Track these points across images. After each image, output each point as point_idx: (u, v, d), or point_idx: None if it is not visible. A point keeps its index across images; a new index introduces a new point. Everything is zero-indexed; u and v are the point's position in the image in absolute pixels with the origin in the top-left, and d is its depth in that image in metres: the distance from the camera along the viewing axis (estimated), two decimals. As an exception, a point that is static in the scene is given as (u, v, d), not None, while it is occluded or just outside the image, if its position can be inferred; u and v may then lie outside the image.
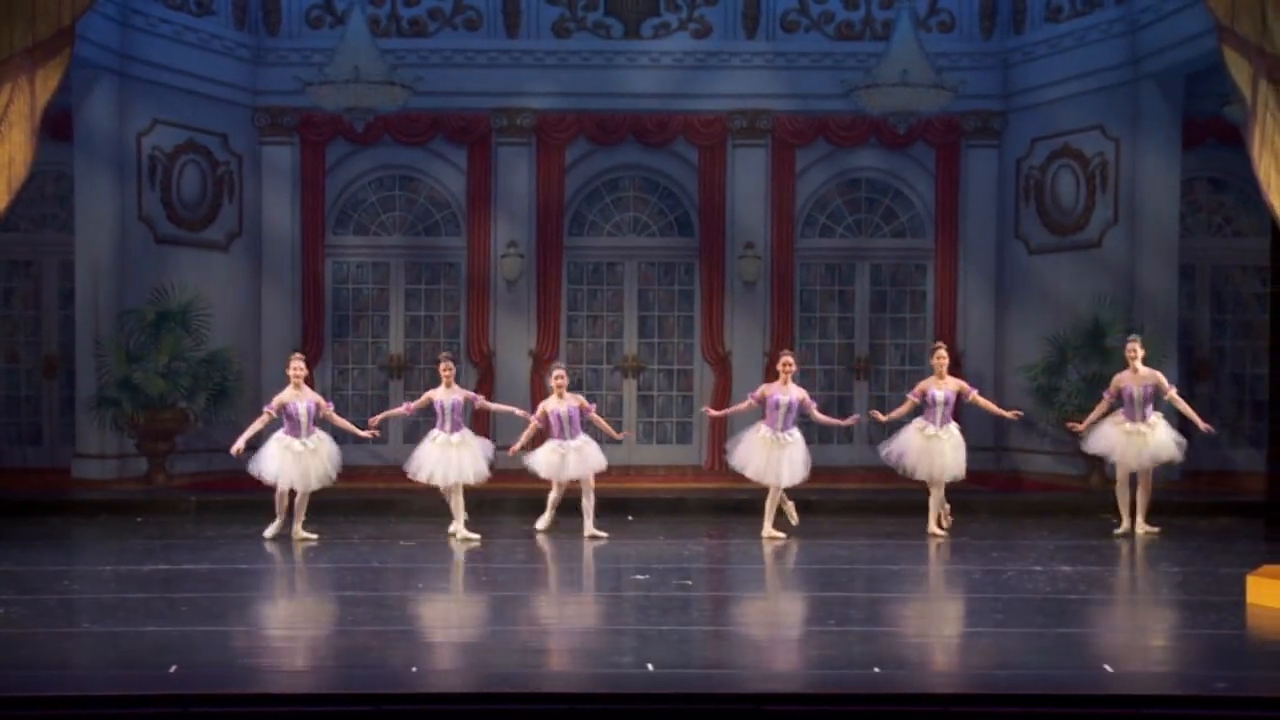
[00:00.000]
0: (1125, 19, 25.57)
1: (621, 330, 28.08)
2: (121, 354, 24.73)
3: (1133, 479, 20.85)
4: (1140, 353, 20.75)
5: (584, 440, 20.66)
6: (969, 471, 21.29)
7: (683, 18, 27.68)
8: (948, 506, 20.89)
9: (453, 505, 20.36)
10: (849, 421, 22.18)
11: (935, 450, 20.66)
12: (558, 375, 20.90)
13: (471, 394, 21.21)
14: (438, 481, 20.41)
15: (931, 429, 20.70)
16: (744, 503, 21.91)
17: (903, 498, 22.72)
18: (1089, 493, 24.17)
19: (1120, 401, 20.73)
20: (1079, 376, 25.03)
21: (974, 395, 21.03)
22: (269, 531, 20.10)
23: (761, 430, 20.44)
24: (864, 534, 21.12)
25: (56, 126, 25.19)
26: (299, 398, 20.14)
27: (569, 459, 20.49)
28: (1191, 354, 26.82)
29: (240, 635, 15.07)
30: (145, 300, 25.29)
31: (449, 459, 20.32)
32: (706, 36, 27.69)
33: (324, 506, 22.40)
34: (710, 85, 27.55)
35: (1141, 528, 20.69)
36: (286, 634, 15.06)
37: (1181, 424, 21.32)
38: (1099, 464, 23.71)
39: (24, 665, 12.91)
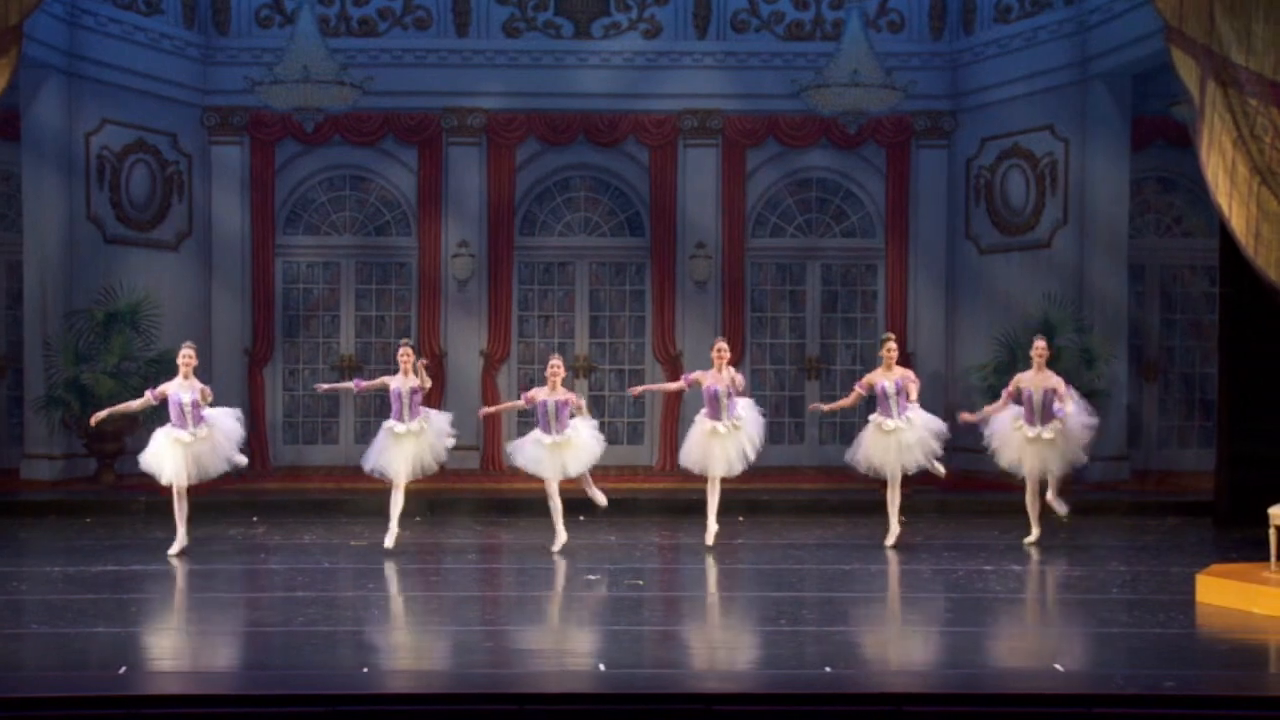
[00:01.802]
0: (1074, 19, 25.66)
1: (573, 330, 28.07)
2: (70, 354, 24.62)
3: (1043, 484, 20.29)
4: (1046, 354, 20.11)
5: (571, 433, 19.53)
6: (919, 471, 20.28)
7: (633, 17, 27.68)
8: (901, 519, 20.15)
9: (392, 503, 19.43)
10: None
11: (895, 444, 19.82)
12: (553, 365, 19.80)
13: (423, 387, 19.75)
14: (405, 478, 19.47)
15: (890, 422, 19.83)
16: (695, 503, 21.89)
17: (854, 498, 22.76)
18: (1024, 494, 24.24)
19: (1019, 401, 20.12)
20: (1029, 376, 25.10)
21: (910, 385, 19.99)
22: (173, 549, 18.94)
23: (704, 425, 19.96)
24: (815, 534, 21.16)
25: (4, 126, 25.17)
26: (184, 388, 19.21)
27: (554, 455, 19.43)
28: (1141, 354, 26.93)
29: (190, 636, 15.05)
30: (94, 300, 25.18)
31: (406, 453, 19.45)
32: (657, 36, 27.69)
33: (274, 506, 22.43)
34: (661, 85, 27.55)
35: (1054, 504, 20.16)
36: (237, 635, 15.01)
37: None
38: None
39: (-28, 667, 12.87)
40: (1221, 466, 22.33)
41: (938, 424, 20.17)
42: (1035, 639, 15.04)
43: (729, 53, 27.64)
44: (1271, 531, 15.97)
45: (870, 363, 27.42)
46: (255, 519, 22.01)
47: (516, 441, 20.13)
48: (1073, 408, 19.99)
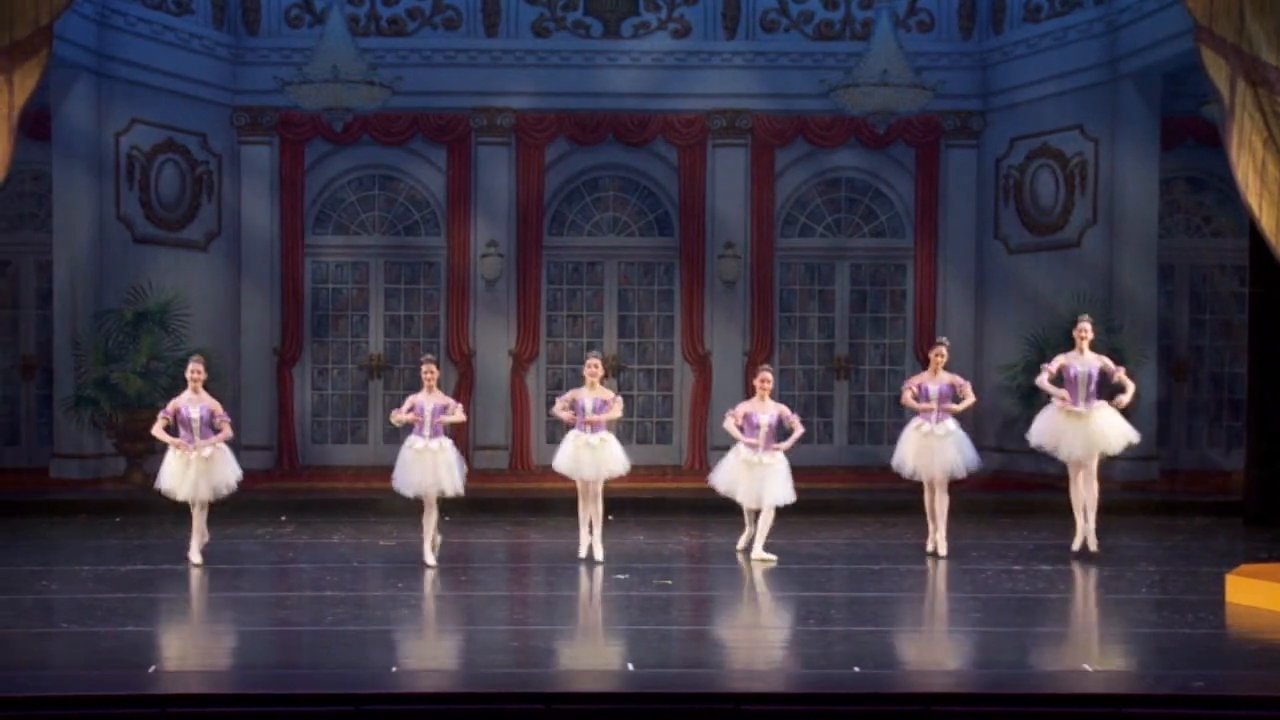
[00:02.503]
0: (1104, 19, 25.61)
1: (601, 330, 28.06)
2: (100, 354, 24.67)
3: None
4: (1089, 334, 19.18)
5: (605, 438, 19.02)
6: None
7: (662, 17, 27.67)
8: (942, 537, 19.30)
9: (426, 523, 18.62)
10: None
11: (934, 448, 19.25)
12: (591, 363, 19.24)
13: (452, 402, 18.89)
14: (421, 494, 18.54)
15: (927, 426, 19.31)
16: (724, 503, 21.86)
17: (883, 497, 22.75)
18: (1069, 492, 24.18)
19: (1061, 382, 19.13)
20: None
21: (963, 390, 19.32)
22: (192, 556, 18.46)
23: (742, 452, 19.14)
24: (844, 534, 21.13)
25: (34, 126, 25.14)
26: (194, 403, 18.50)
27: (585, 456, 18.85)
28: (1170, 353, 26.87)
29: (219, 635, 15.08)
30: (123, 300, 25.23)
31: (426, 468, 18.46)
32: (686, 36, 27.70)
33: (303, 506, 22.47)
34: (690, 85, 27.55)
35: (1091, 540, 19.04)
36: (265, 634, 15.03)
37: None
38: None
39: (2, 665, 12.89)
40: (1251, 466, 22.29)
41: (967, 461, 19.40)
42: (1064, 639, 15.01)
43: (758, 52, 27.63)
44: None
45: (899, 362, 27.51)
46: (283, 518, 22.05)
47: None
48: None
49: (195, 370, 18.74)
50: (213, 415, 18.54)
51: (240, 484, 18.98)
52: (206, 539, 18.69)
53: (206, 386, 18.85)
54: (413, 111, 27.15)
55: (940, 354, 19.55)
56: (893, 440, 27.16)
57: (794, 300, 28.14)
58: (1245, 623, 15.04)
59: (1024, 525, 21.68)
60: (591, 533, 19.01)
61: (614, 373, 27.76)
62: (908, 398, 19.57)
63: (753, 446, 19.10)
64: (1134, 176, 25.57)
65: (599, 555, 18.78)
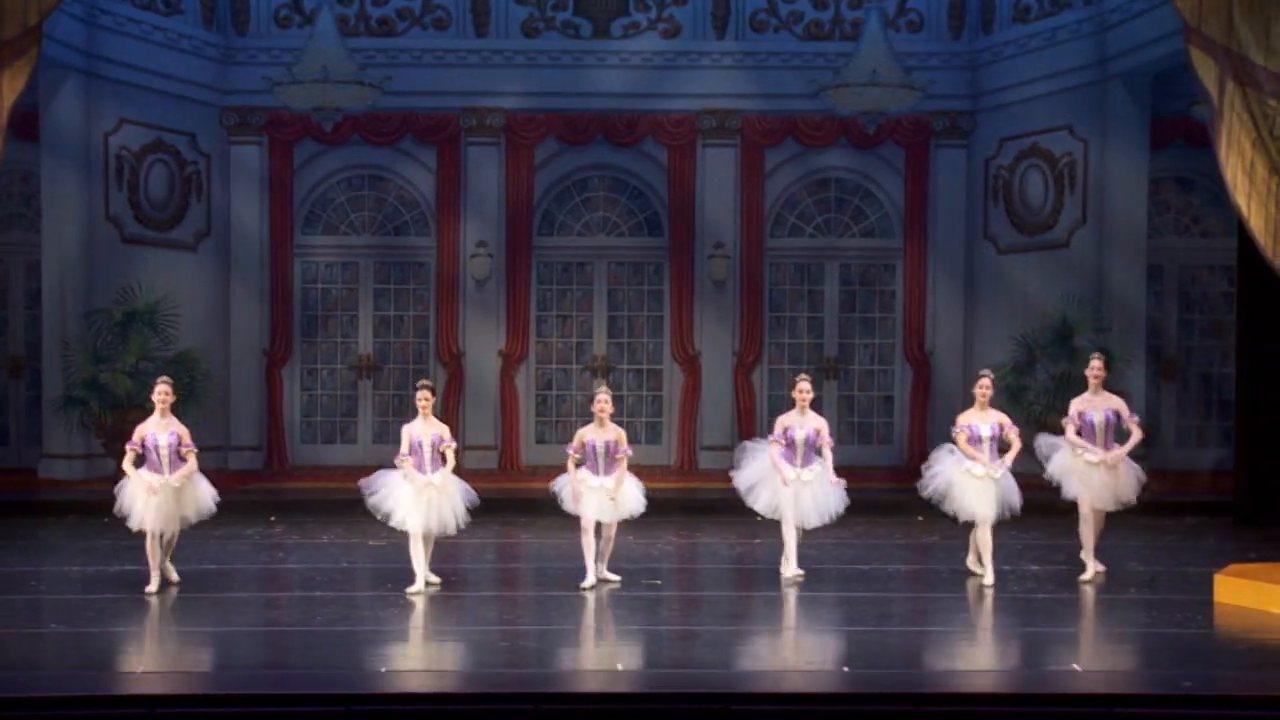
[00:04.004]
0: (1093, 19, 25.63)
1: (591, 330, 28.06)
2: (89, 354, 24.65)
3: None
4: (1103, 374, 18.11)
5: (620, 478, 17.47)
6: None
7: (652, 17, 27.67)
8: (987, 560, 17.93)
9: (418, 555, 17.07)
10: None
11: (980, 490, 17.79)
12: (600, 400, 17.45)
13: (448, 438, 17.19)
14: (410, 529, 16.98)
15: (979, 469, 17.77)
16: (714, 503, 21.88)
17: (872, 498, 22.71)
18: (1057, 492, 24.15)
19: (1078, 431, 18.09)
20: (1048, 376, 25.07)
21: (1011, 434, 17.85)
22: (150, 587, 16.74)
23: (780, 468, 17.77)
24: (833, 533, 21.09)
25: (23, 126, 25.11)
26: (161, 428, 17.10)
27: (595, 500, 17.38)
28: (1159, 354, 26.90)
29: (208, 636, 15.05)
30: (112, 300, 25.19)
31: (428, 504, 16.94)
32: (675, 36, 27.70)
33: (292, 506, 22.45)
34: (679, 85, 27.54)
35: (1090, 562, 18.00)
36: (255, 634, 15.01)
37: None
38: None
39: (-9, 666, 12.90)
40: (1240, 466, 22.31)
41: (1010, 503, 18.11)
42: (1052, 639, 15.00)
43: (748, 52, 27.64)
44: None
45: (888, 362, 27.52)
46: (273, 519, 22.03)
47: (561, 479, 17.78)
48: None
49: (164, 393, 17.26)
50: (180, 442, 17.16)
51: (218, 503, 17.54)
52: (173, 577, 17.28)
53: (175, 409, 17.61)
54: (402, 112, 27.15)
55: (985, 388, 18.03)
56: (883, 440, 27.42)
57: (783, 300, 28.15)
58: (1234, 623, 15.06)
59: (1013, 526, 21.55)
60: (599, 561, 17.67)
61: (604, 373, 27.75)
62: (962, 442, 17.91)
63: (789, 462, 17.86)
64: (1123, 177, 25.61)
65: (607, 575, 17.62)
